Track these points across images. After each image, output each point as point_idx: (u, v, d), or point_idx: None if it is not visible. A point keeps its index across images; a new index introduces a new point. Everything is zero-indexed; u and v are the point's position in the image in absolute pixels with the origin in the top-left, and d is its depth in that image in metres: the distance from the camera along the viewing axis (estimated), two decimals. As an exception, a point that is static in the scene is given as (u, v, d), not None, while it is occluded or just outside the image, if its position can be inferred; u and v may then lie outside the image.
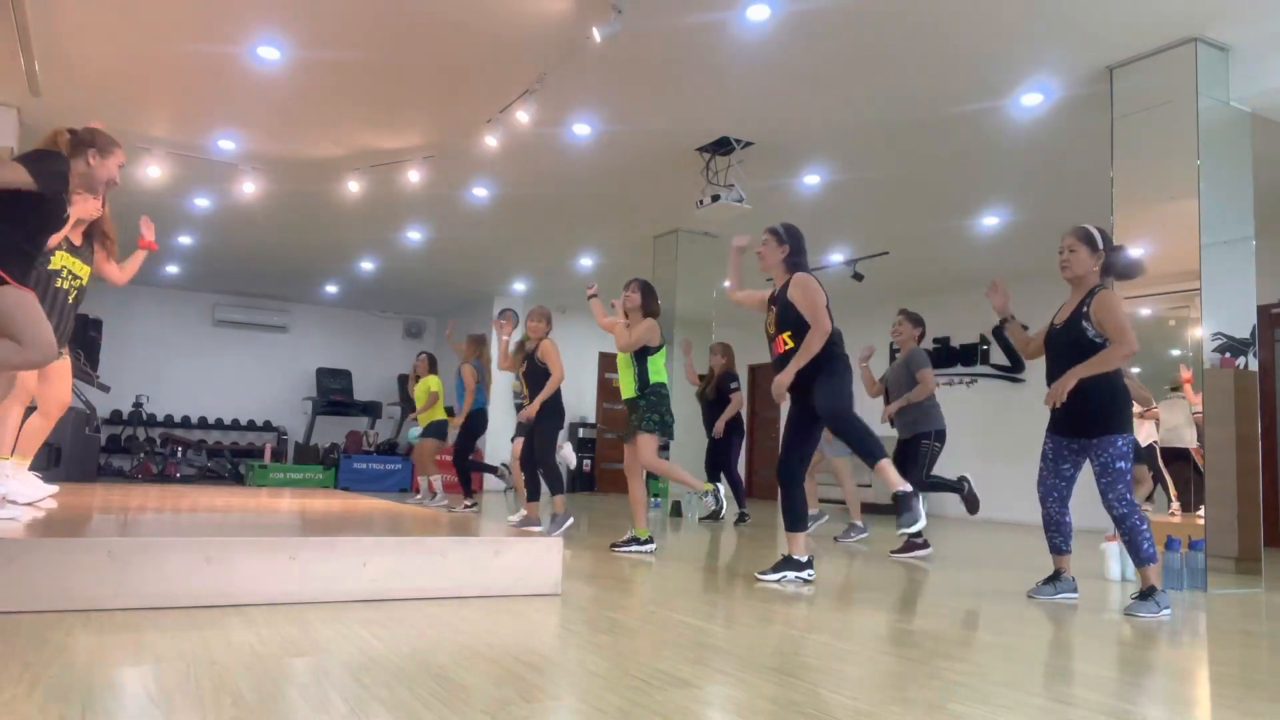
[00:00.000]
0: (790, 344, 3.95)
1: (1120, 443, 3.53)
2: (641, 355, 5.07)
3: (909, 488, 3.70)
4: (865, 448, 3.74)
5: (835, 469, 6.65)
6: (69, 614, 2.54)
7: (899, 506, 3.71)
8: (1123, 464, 3.52)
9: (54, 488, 4.43)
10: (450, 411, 8.41)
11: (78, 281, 4.16)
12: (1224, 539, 4.66)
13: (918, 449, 5.49)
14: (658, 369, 5.07)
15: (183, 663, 2.04)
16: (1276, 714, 2.05)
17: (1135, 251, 3.79)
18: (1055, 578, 3.88)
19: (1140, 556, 3.53)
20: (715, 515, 8.16)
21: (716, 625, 2.84)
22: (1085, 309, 3.62)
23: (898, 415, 5.63)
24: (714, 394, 7.85)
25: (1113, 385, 3.58)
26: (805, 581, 3.98)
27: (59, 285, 4.02)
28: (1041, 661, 2.51)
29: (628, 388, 5.11)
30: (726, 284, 4.47)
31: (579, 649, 2.39)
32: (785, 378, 3.92)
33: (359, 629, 2.52)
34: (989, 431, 10.41)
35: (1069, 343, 3.65)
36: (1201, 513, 4.59)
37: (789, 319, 3.96)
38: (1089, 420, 3.59)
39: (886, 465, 3.71)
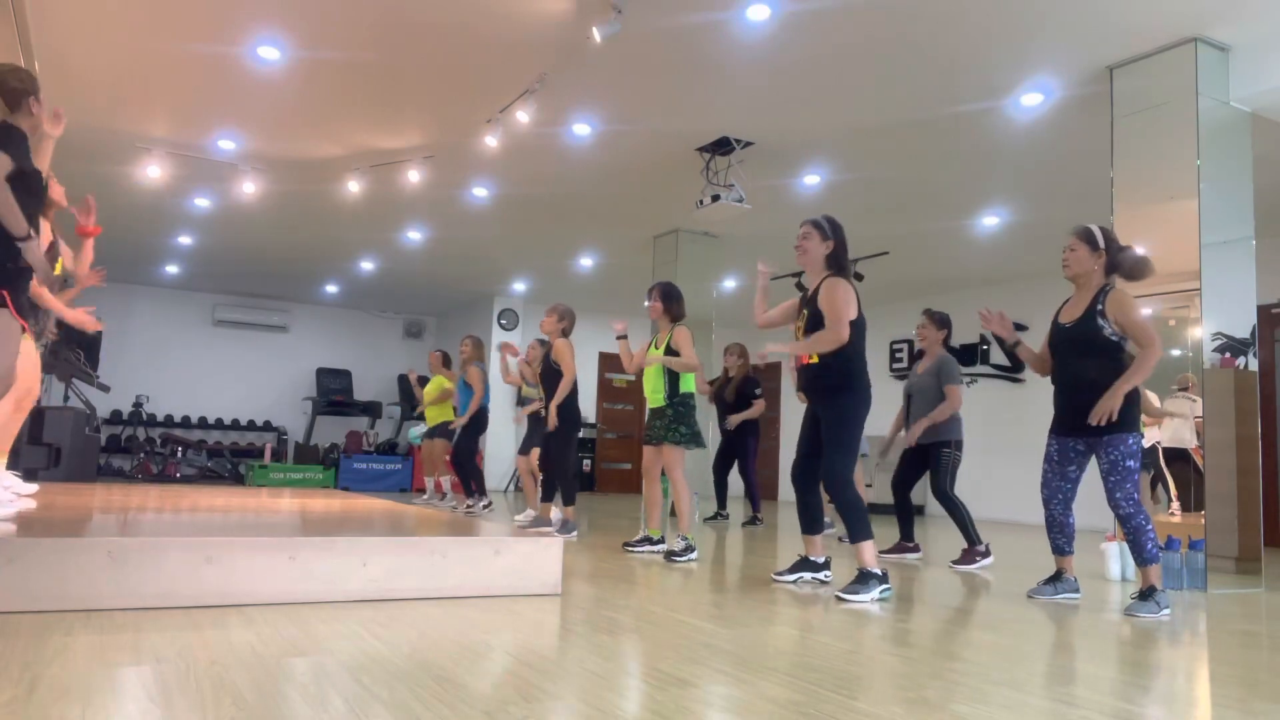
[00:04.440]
0: (815, 358, 3.74)
1: (1131, 441, 3.54)
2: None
3: (878, 570, 3.61)
4: (854, 524, 3.65)
5: None
6: (69, 614, 2.54)
7: (856, 577, 3.60)
8: (1132, 463, 3.53)
9: (34, 486, 4.39)
10: (455, 412, 8.41)
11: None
12: (1224, 539, 4.66)
13: (938, 458, 5.24)
14: (688, 380, 4.95)
15: (183, 663, 2.04)
16: (1276, 714, 2.05)
17: (1141, 251, 3.76)
18: (1056, 578, 3.87)
19: (1143, 556, 3.53)
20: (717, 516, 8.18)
21: (717, 625, 2.84)
22: (1100, 307, 3.62)
23: (914, 417, 5.32)
24: (733, 397, 7.80)
25: None
26: (821, 582, 3.99)
27: None
28: (1042, 661, 2.51)
29: (656, 395, 4.96)
30: (756, 309, 4.20)
31: (579, 649, 2.39)
32: (788, 349, 3.72)
33: (359, 629, 2.52)
34: (989, 431, 10.41)
35: (1084, 341, 3.63)
36: (1202, 513, 4.59)
37: (816, 328, 3.74)
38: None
39: (866, 547, 3.64)
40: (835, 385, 3.72)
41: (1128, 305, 3.58)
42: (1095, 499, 6.79)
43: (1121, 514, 3.53)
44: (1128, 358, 3.60)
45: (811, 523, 3.93)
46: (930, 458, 5.30)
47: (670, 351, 4.90)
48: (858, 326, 3.71)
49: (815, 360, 3.74)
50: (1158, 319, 4.76)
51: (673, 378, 4.92)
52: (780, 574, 4.00)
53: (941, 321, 5.45)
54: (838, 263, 3.86)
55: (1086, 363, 3.63)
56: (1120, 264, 3.71)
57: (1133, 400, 3.59)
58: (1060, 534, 3.83)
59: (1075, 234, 3.77)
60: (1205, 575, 4.38)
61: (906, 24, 4.83)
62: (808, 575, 3.97)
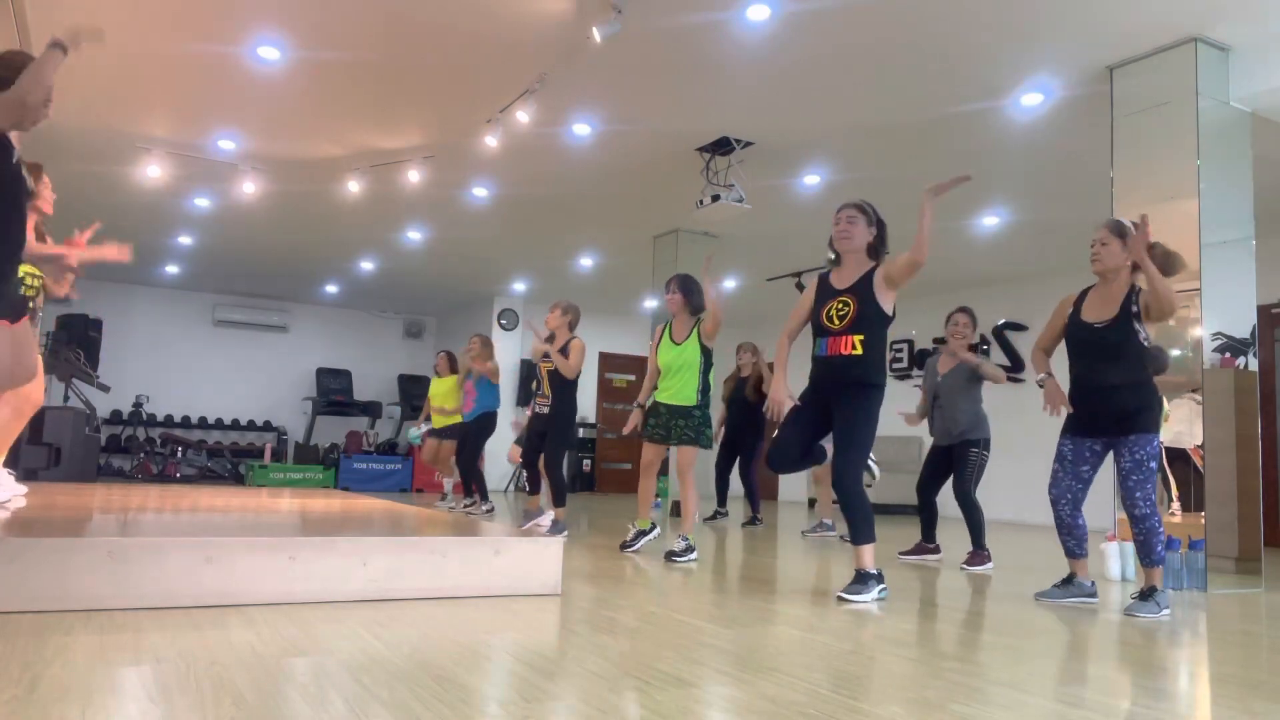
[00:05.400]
0: (860, 349, 3.54)
1: (1156, 442, 3.53)
2: (708, 360, 4.89)
3: (874, 571, 3.56)
4: (860, 526, 3.56)
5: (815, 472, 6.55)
6: (69, 614, 2.54)
7: (855, 577, 3.55)
8: (1154, 464, 3.53)
9: (24, 488, 4.38)
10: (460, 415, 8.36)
11: (36, 281, 3.77)
12: (1224, 539, 4.66)
13: (966, 458, 5.20)
14: (712, 377, 4.94)
15: (183, 663, 2.04)
16: (1276, 714, 2.05)
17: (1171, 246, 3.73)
18: (1069, 581, 3.79)
19: (1152, 558, 3.52)
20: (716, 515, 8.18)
21: (717, 625, 2.84)
22: (1135, 309, 3.56)
23: (941, 418, 5.28)
24: (755, 396, 7.73)
25: (1150, 386, 3.58)
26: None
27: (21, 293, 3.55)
28: (1042, 661, 2.51)
29: (686, 393, 4.84)
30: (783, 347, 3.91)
31: (579, 649, 2.39)
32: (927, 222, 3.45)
33: (359, 629, 2.52)
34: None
35: (1115, 345, 3.57)
36: (1202, 513, 4.59)
37: (868, 316, 3.56)
38: (1126, 417, 3.53)
39: (867, 550, 3.56)
40: (869, 380, 3.57)
41: None
42: (1095, 500, 6.79)
43: (1139, 514, 3.50)
44: (1149, 362, 3.59)
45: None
46: (957, 458, 5.23)
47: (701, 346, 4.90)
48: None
49: (858, 351, 3.55)
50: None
51: (707, 375, 4.89)
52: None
53: (977, 322, 5.43)
54: (877, 253, 3.72)
55: (1114, 366, 3.58)
56: (1152, 260, 3.66)
57: (1157, 402, 3.58)
58: (1070, 536, 3.75)
59: (1105, 227, 3.69)
60: (1205, 575, 4.38)
61: (906, 24, 4.83)
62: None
